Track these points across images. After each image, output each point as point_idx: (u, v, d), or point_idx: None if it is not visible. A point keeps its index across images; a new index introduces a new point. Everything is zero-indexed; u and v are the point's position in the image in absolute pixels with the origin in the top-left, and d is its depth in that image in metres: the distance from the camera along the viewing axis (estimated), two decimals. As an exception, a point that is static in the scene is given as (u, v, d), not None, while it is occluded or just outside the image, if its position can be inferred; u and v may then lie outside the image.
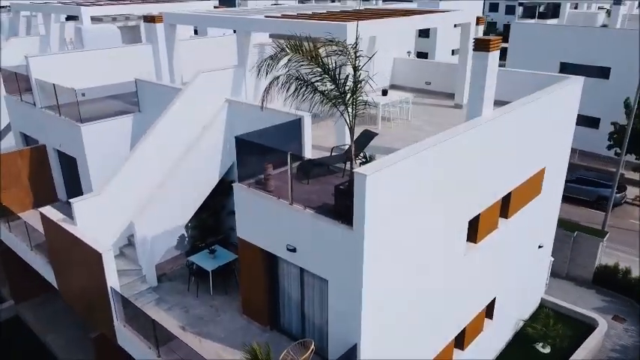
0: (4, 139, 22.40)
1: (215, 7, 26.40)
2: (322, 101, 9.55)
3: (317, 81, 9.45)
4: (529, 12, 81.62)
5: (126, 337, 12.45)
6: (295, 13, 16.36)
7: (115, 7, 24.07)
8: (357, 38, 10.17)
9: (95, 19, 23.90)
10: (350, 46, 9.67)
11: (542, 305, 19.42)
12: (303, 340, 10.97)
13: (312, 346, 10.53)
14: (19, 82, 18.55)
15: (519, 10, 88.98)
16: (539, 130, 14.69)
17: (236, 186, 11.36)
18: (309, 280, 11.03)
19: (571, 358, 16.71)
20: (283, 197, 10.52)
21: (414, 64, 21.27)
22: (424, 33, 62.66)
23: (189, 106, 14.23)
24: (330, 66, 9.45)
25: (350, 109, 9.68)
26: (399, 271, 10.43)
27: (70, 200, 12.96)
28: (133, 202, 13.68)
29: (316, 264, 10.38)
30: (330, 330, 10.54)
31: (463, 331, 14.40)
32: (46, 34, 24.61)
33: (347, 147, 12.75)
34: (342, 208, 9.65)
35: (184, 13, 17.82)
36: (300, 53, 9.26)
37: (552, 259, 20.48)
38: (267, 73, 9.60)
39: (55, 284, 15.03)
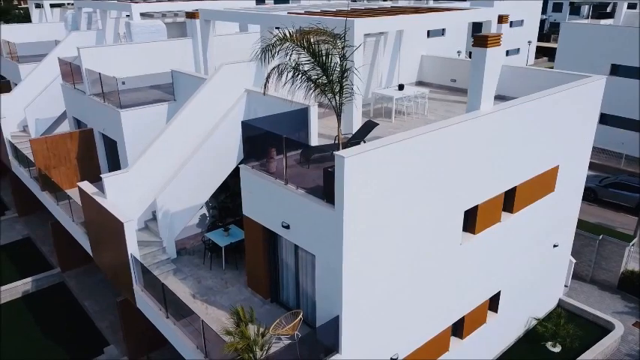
0: (63, 123, 24.68)
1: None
2: (313, 88, 10.37)
3: (308, 70, 10.27)
4: (595, 12, 78.34)
5: (143, 300, 13.81)
6: (319, 10, 17.24)
7: (163, 4, 25.83)
8: (345, 31, 10.87)
9: (145, 15, 25.74)
10: (337, 37, 10.40)
11: (559, 306, 19.35)
12: (294, 311, 11.87)
13: (301, 315, 11.41)
14: (74, 72, 20.52)
15: (585, 9, 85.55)
16: (549, 128, 14.80)
17: (242, 167, 12.41)
18: (302, 255, 11.91)
19: (579, 358, 16.65)
20: (280, 178, 11.44)
21: (441, 62, 21.57)
22: (478, 31, 61.85)
23: (213, 94, 15.45)
24: (322, 55, 10.22)
25: (337, 97, 10.44)
26: (384, 251, 11.10)
27: (102, 175, 14.47)
28: (158, 180, 15.06)
29: (306, 240, 11.24)
30: (317, 302, 11.37)
31: (462, 321, 14.81)
32: (102, 29, 26.75)
33: (350, 135, 13.52)
34: (328, 188, 10.45)
35: (218, 9, 19.11)
36: (293, 42, 10.12)
37: (574, 260, 20.30)
38: (269, 61, 10.52)
39: (90, 252, 16.71)
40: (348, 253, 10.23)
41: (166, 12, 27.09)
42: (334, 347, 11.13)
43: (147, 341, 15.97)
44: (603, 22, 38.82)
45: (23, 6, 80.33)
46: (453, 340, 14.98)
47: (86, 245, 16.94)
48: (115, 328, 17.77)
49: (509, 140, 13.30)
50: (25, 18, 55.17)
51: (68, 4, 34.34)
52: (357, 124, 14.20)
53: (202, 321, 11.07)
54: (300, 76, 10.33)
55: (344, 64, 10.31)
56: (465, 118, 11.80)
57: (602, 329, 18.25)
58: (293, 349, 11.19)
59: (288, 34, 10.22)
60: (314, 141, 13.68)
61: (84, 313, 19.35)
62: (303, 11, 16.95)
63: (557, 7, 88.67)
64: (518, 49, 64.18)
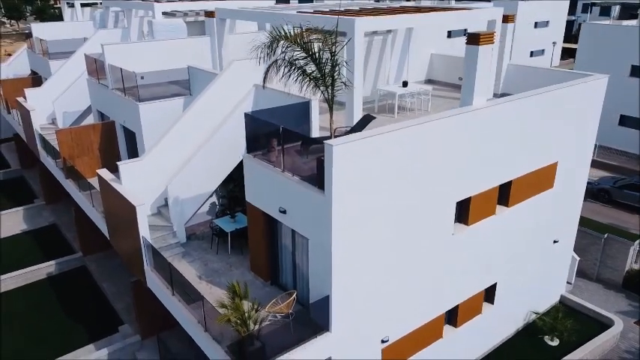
0: (89, 117, 26.01)
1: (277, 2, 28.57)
2: (307, 82, 11.12)
3: (303, 65, 11.02)
4: (626, 13, 76.87)
5: (153, 280, 14.76)
6: (328, 10, 17.97)
7: (185, 4, 26.96)
8: (336, 28, 11.56)
9: (168, 14, 26.92)
10: (328, 34, 11.11)
11: (561, 302, 19.61)
12: (289, 292, 12.62)
13: (295, 295, 12.16)
14: (98, 68, 21.73)
15: (615, 10, 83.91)
16: (547, 125, 15.18)
17: (245, 156, 13.24)
18: (298, 239, 12.65)
19: (575, 351, 16.95)
20: (278, 166, 12.22)
21: (450, 60, 22.02)
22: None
23: (223, 89, 16.35)
24: (316, 51, 10.96)
25: (329, 90, 11.16)
26: (374, 236, 11.75)
27: (118, 163, 15.50)
28: (170, 169, 16.03)
29: (300, 224, 11.99)
30: (310, 283, 12.11)
31: (456, 310, 15.32)
32: (128, 27, 28.04)
33: (349, 128, 14.20)
34: (321, 176, 11.16)
35: (232, 9, 20.01)
36: (288, 40, 10.90)
37: (578, 258, 20.51)
38: (265, 59, 11.33)
39: (108, 236, 17.80)
40: (338, 236, 10.93)
41: (188, 11, 28.22)
42: (325, 326, 11.84)
43: (158, 321, 16.91)
44: (626, 22, 38.41)
45: (58, 5, 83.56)
46: (448, 328, 15.50)
47: (104, 230, 18.03)
48: (130, 310, 18.81)
49: (501, 135, 13.76)
50: (60, 17, 57.47)
51: (99, 3, 35.87)
52: (357, 117, 14.86)
53: (202, 296, 11.91)
54: (295, 70, 11.08)
55: (335, 59, 11.01)
56: (452, 113, 12.35)
57: (602, 326, 18.43)
58: (288, 328, 11.98)
59: (283, 33, 10.98)
60: (315, 133, 14.41)
61: (102, 295, 20.51)
62: (312, 10, 17.71)
63: (587, 8, 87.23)
64: (543, 50, 63.66)
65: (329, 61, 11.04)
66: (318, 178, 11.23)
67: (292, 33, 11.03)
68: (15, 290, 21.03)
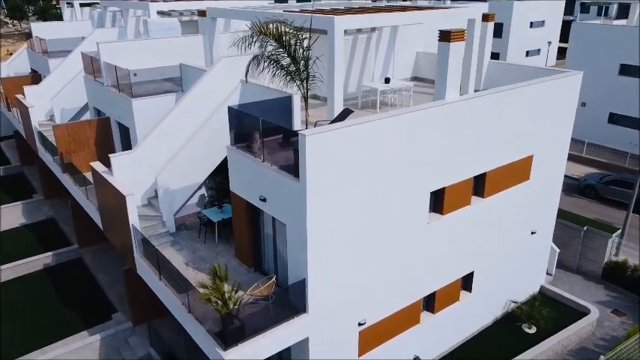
0: (86, 114, 26.73)
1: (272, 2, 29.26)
2: (284, 75, 11.81)
3: (280, 59, 11.71)
4: (624, 13, 77.29)
5: (143, 267, 15.44)
6: (313, 8, 18.63)
7: (180, 4, 27.68)
8: (310, 27, 12.24)
9: (164, 14, 27.63)
10: (296, 29, 11.78)
11: (540, 292, 20.23)
12: (269, 276, 13.30)
13: (274, 279, 12.83)
14: (94, 65, 22.43)
15: (614, 9, 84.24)
16: (520, 119, 15.82)
17: (228, 147, 13.92)
18: (278, 226, 13.33)
19: (551, 337, 17.56)
20: (259, 157, 12.89)
21: (436, 58, 22.55)
22: (497, 33, 62.00)
23: (212, 84, 17.02)
24: (292, 44, 11.65)
25: (304, 84, 11.84)
26: (349, 223, 12.41)
27: (110, 155, 16.20)
28: (160, 161, 16.70)
29: (279, 211, 12.67)
30: (289, 267, 12.78)
31: (433, 296, 15.97)
32: (124, 26, 28.77)
33: (329, 122, 14.85)
34: (297, 164, 11.83)
35: (222, 8, 20.69)
36: (264, 33, 11.59)
37: (557, 250, 21.15)
38: (245, 51, 12.02)
39: (101, 227, 18.49)
40: (312, 221, 11.59)
41: (184, 11, 28.92)
42: (302, 307, 12.50)
43: (149, 309, 17.60)
44: (616, 22, 38.97)
45: (59, 5, 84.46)
46: (425, 314, 16.15)
47: (99, 221, 18.72)
48: (123, 299, 19.47)
49: (473, 129, 14.40)
50: (62, 17, 58.35)
51: (97, 3, 36.67)
52: (337, 111, 15.51)
53: (186, 280, 12.59)
54: (273, 64, 11.77)
55: (307, 54, 11.69)
56: (423, 107, 13.02)
57: (579, 314, 19.04)
58: (268, 310, 12.65)
59: (259, 27, 11.68)
60: (297, 126, 15.06)
61: (97, 285, 21.22)
62: (299, 10, 18.38)
63: (586, 8, 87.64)
64: (539, 50, 64.19)
65: (302, 56, 11.72)
66: (294, 167, 11.91)
67: (268, 28, 11.71)
68: (14, 280, 21.75)
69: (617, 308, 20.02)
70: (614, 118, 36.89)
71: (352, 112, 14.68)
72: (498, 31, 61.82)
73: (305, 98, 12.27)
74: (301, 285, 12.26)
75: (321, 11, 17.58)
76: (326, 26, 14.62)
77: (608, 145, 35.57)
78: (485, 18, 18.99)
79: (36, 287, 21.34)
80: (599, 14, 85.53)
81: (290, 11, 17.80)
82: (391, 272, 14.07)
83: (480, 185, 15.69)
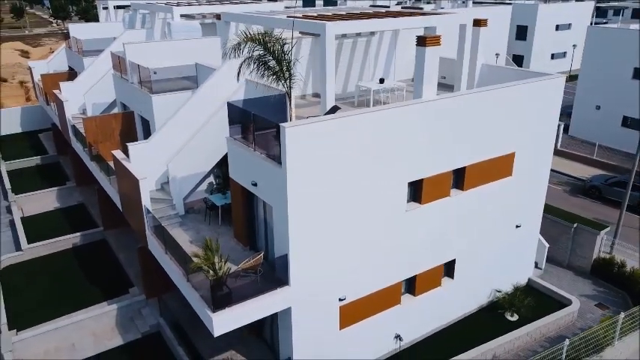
0: (115, 109, 29.07)
1: (286, 7, 31.04)
2: (270, 75, 13.49)
3: (266, 62, 13.40)
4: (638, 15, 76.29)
5: (153, 243, 17.38)
6: (316, 14, 20.24)
7: (202, 7, 29.75)
8: (292, 31, 13.84)
9: (187, 17, 29.75)
10: (275, 36, 13.46)
11: (528, 284, 21.28)
12: (257, 252, 14.99)
13: (261, 254, 14.53)
14: (121, 64, 24.64)
15: (629, 12, 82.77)
16: (500, 118, 17.01)
17: (228, 138, 15.68)
18: (267, 208, 15.01)
19: (531, 324, 18.65)
20: (252, 147, 14.60)
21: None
22: (521, 36, 62.21)
23: (220, 82, 18.86)
24: (277, 49, 13.34)
25: (288, 82, 13.49)
26: (328, 206, 13.96)
27: (127, 144, 18.23)
28: (173, 151, 18.64)
29: (267, 194, 14.35)
30: (275, 244, 14.45)
31: (414, 280, 17.33)
32: (151, 28, 31.05)
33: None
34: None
35: (234, 12, 22.53)
36: (252, 40, 13.30)
37: (547, 245, 22.14)
38: (236, 56, 13.78)
39: (121, 208, 20.59)
40: (293, 202, 13.21)
41: (207, 14, 31.00)
42: (285, 280, 14.14)
43: (159, 284, 19.53)
44: (633, 26, 39.13)
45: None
46: (407, 296, 17.53)
47: (119, 204, 20.84)
48: (139, 276, 21.53)
49: (450, 126, 15.70)
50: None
51: (126, 6, 39.20)
52: (328, 108, 17.08)
53: (184, 251, 14.41)
54: (260, 65, 13.49)
55: (288, 56, 13.35)
56: (398, 104, 14.46)
57: (562, 306, 20.00)
58: (256, 282, 14.35)
59: (249, 35, 13.41)
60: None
61: (118, 263, 23.41)
62: (301, 15, 20.01)
63: (618, 11, 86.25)
64: (565, 53, 64.02)
65: (284, 58, 13.38)
66: (279, 155, 13.55)
67: (256, 35, 13.43)
68: (46, 256, 24.19)
69: (601, 302, 20.88)
70: (627, 122, 37.16)
71: (339, 108, 16.22)
72: (522, 33, 62.09)
73: (288, 95, 13.90)
74: (284, 260, 13.90)
75: (321, 17, 19.16)
76: (319, 31, 16.21)
77: (622, 148, 35.91)
78: (477, 23, 20.12)
79: (64, 263, 23.69)
80: (633, 17, 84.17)
81: (291, 17, 19.43)
82: (370, 254, 15.53)
83: (459, 178, 16.95)
